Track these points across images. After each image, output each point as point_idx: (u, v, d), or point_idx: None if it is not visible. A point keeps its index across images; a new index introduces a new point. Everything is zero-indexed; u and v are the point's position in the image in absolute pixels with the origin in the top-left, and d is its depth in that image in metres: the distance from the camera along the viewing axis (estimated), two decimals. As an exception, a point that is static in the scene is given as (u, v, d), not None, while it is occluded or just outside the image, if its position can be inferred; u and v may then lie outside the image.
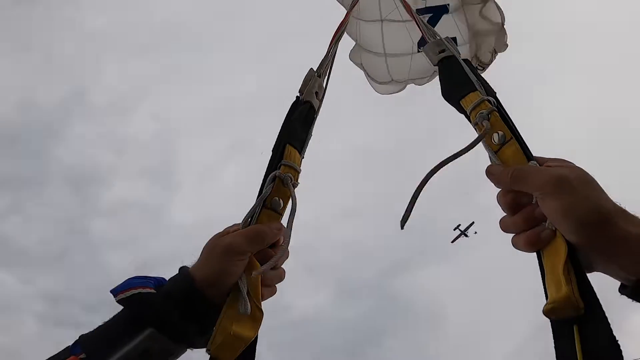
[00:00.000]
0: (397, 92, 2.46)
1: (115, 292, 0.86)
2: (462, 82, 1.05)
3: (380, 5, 2.48)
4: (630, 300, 0.70)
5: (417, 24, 1.35)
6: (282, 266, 1.01)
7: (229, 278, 0.88)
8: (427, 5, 2.64)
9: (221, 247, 0.90)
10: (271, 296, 0.98)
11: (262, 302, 0.91)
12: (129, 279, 0.88)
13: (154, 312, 0.83)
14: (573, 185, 0.74)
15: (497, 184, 0.89)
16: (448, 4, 2.62)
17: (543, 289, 0.77)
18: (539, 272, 0.80)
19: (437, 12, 2.65)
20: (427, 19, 2.61)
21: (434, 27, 2.61)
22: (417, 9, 2.58)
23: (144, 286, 0.86)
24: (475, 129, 0.98)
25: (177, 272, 0.92)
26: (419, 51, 2.57)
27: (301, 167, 1.08)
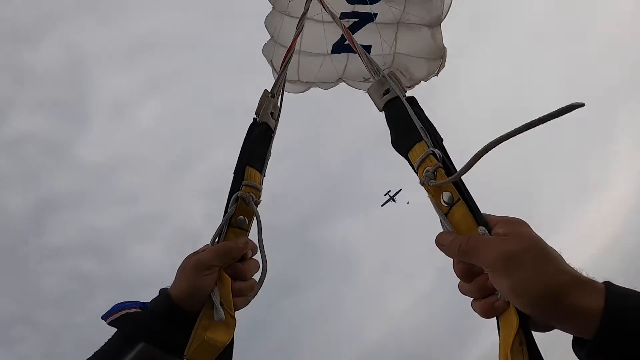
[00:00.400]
0: (299, 92, 2.49)
1: (105, 317, 0.96)
2: (408, 131, 1.02)
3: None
4: None
5: (360, 57, 1.31)
6: (252, 277, 1.08)
7: (202, 291, 0.96)
8: (354, 10, 2.66)
9: (191, 264, 0.99)
10: (245, 305, 1.06)
11: (236, 311, 1.00)
12: (115, 304, 0.98)
13: (143, 327, 0.93)
14: (523, 261, 0.72)
15: (446, 255, 0.88)
16: (376, 14, 2.64)
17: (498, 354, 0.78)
18: (497, 336, 0.80)
19: (363, 18, 2.67)
20: (351, 22, 2.64)
21: (356, 31, 2.69)
22: (342, 12, 2.60)
23: (130, 307, 0.96)
24: (424, 188, 0.95)
25: (158, 293, 1.01)
26: (331, 53, 2.62)
27: (263, 185, 1.14)
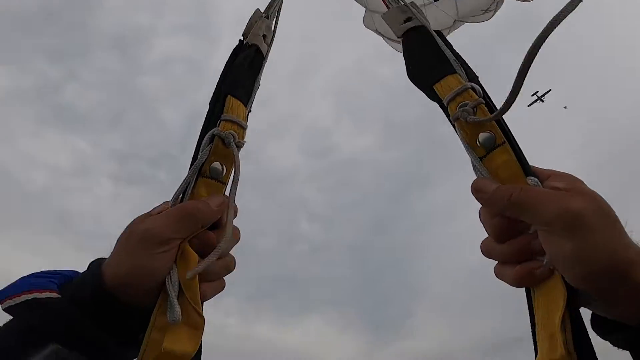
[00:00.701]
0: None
1: (3, 296, 0.63)
2: (435, 61, 0.81)
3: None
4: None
5: None
6: (230, 252, 0.76)
7: (151, 275, 0.65)
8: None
9: (137, 234, 0.66)
10: (217, 293, 0.74)
11: (204, 302, 0.70)
12: (24, 277, 0.66)
13: (57, 322, 0.62)
14: (590, 224, 0.57)
15: (487, 205, 0.68)
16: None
17: (531, 334, 0.64)
18: (527, 309, 0.66)
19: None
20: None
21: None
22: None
23: (43, 289, 0.64)
24: (455, 127, 0.75)
25: (87, 266, 0.69)
26: (435, 1, 2.51)
27: (248, 123, 0.84)
